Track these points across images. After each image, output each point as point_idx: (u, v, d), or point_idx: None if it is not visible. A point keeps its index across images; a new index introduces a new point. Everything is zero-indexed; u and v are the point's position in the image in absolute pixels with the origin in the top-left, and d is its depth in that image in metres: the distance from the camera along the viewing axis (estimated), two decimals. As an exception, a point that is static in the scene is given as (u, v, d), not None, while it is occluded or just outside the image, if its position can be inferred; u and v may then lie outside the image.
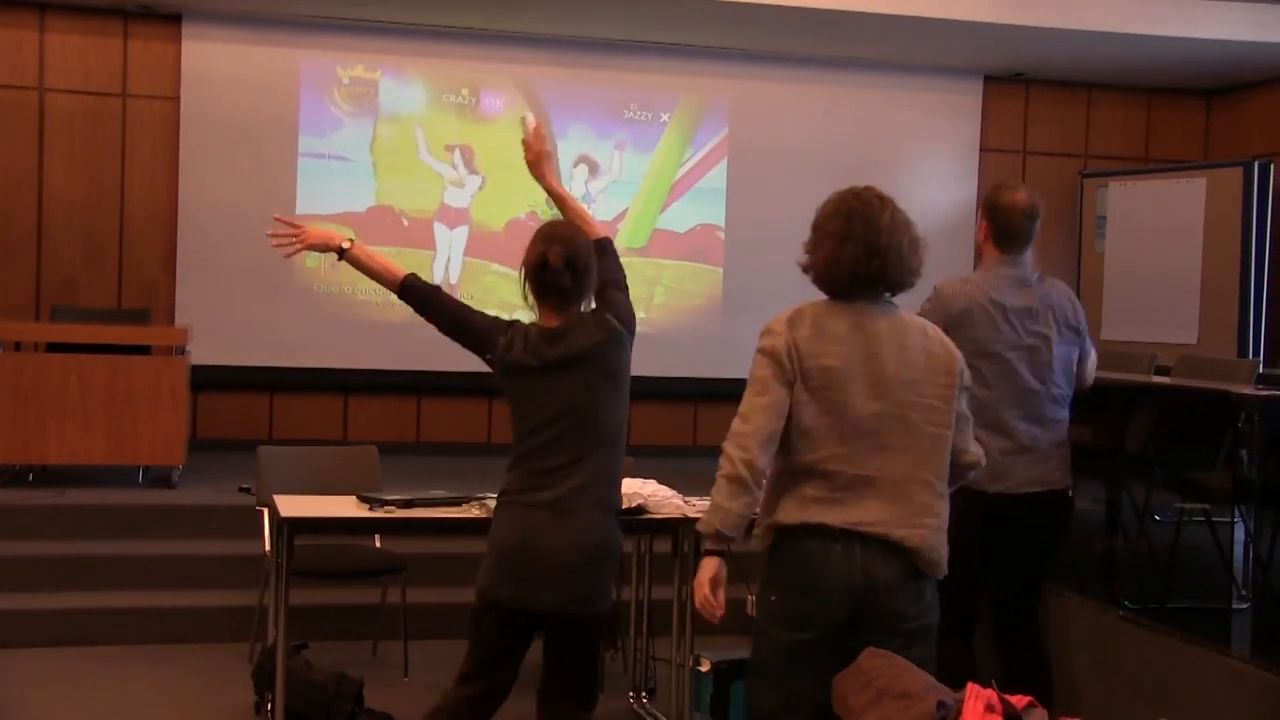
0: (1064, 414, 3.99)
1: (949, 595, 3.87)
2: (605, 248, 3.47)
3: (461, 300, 3.53)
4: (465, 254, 8.56)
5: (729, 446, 2.98)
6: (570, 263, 3.29)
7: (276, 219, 3.60)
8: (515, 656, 3.42)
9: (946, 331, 3.69)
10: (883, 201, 3.05)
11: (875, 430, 2.97)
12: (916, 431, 2.99)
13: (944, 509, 3.04)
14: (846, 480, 2.96)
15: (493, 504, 4.13)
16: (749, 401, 2.99)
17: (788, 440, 3.01)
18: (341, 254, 3.61)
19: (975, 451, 3.13)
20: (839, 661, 2.77)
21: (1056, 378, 3.95)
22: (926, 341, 3.05)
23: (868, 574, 2.93)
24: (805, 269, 3.10)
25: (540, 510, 3.29)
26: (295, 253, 3.69)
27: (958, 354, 3.09)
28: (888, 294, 3.07)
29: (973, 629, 4.07)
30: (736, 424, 2.99)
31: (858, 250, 2.99)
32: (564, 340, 3.32)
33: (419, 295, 3.52)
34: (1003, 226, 3.96)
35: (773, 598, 3.06)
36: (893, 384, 2.98)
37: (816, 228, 3.09)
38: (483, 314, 3.45)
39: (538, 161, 3.60)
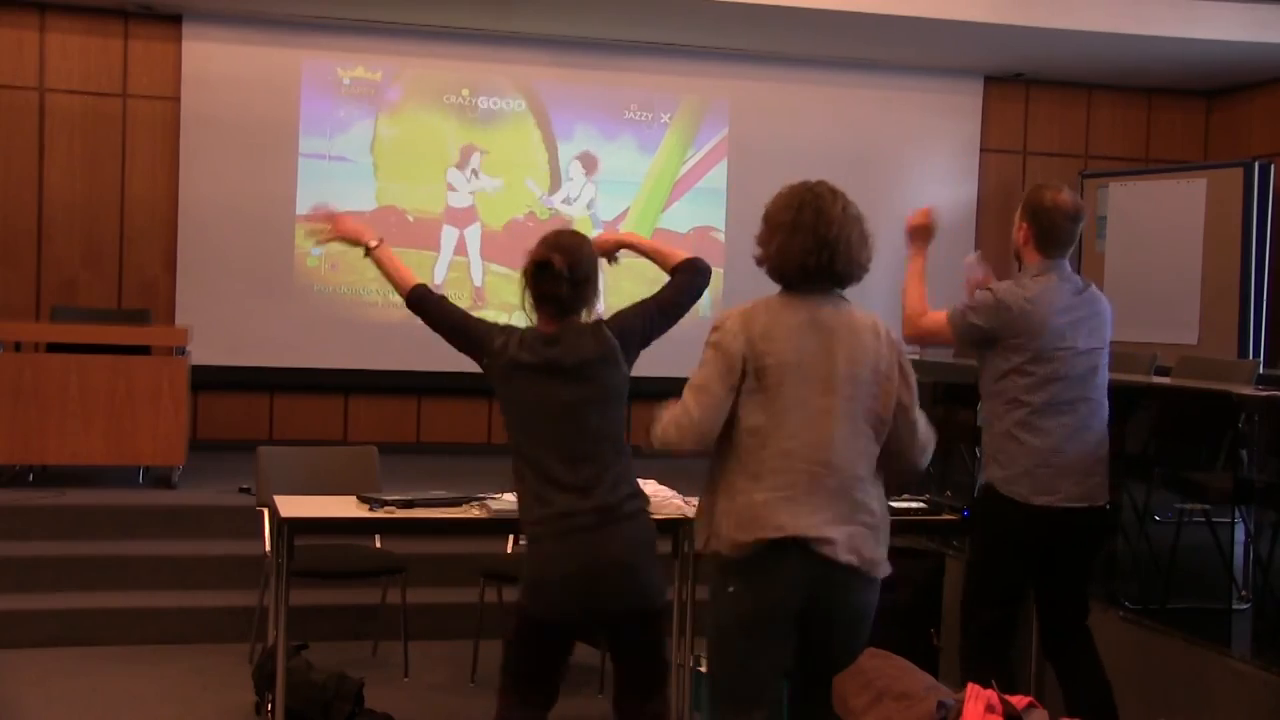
0: (1106, 425, 3.90)
1: (985, 603, 3.87)
2: (681, 267, 3.48)
3: (464, 310, 3.51)
4: (466, 254, 8.56)
5: (671, 431, 3.03)
6: (571, 271, 3.27)
7: (315, 207, 3.65)
8: (563, 667, 3.42)
9: (999, 336, 3.69)
10: (834, 194, 3.06)
11: (826, 425, 2.98)
12: (860, 428, 3.02)
13: (880, 506, 3.09)
14: (796, 476, 2.98)
15: (493, 505, 4.16)
16: (695, 394, 3.03)
17: (734, 437, 3.03)
18: (368, 251, 3.60)
19: (922, 454, 3.16)
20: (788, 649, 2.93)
21: (1101, 388, 3.87)
22: (876, 340, 3.06)
23: (816, 588, 2.99)
24: (759, 261, 3.11)
25: (574, 534, 3.25)
26: (326, 241, 3.70)
27: (903, 351, 3.12)
28: (836, 287, 3.08)
29: (1010, 641, 3.99)
30: (681, 413, 3.03)
31: (808, 241, 3.00)
32: (559, 345, 3.31)
33: (426, 303, 3.51)
34: (1047, 230, 3.81)
35: (730, 589, 3.06)
36: (843, 380, 2.99)
37: (768, 218, 3.10)
38: (481, 319, 3.45)
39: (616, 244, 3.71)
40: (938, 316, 3.88)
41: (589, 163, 8.79)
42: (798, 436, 2.98)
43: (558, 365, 3.29)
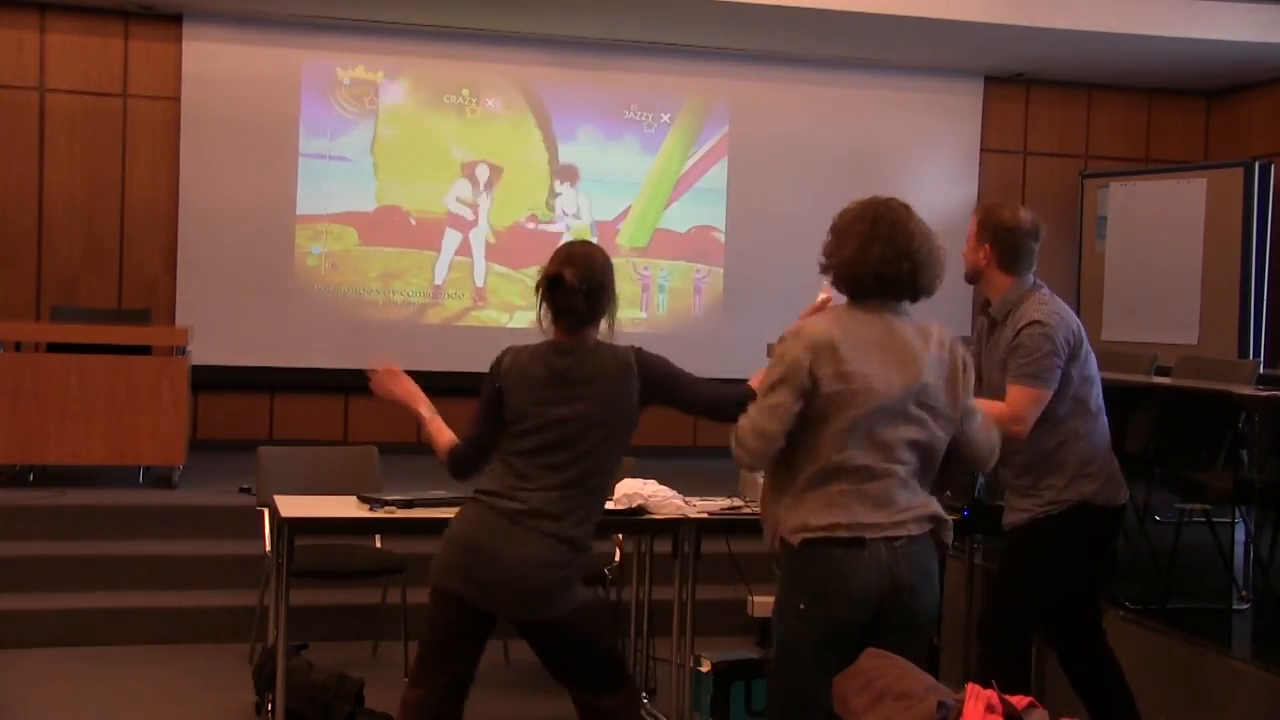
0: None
1: (1026, 612, 3.85)
2: (743, 394, 3.32)
3: (477, 414, 3.46)
4: (469, 255, 8.56)
5: (751, 438, 3.04)
6: (585, 284, 3.28)
7: (381, 359, 3.63)
8: (470, 650, 3.41)
9: (1070, 361, 3.70)
10: (908, 210, 3.10)
11: (894, 429, 3.01)
12: (931, 433, 3.05)
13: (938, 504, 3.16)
14: (871, 475, 3.00)
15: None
16: (768, 401, 3.04)
17: (805, 444, 3.03)
18: (420, 422, 3.61)
19: (989, 453, 3.21)
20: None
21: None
22: (941, 350, 3.08)
23: (894, 576, 3.00)
24: (825, 269, 3.13)
25: (502, 517, 3.29)
26: (378, 391, 3.66)
27: (965, 356, 3.13)
28: (910, 300, 3.11)
29: (1029, 647, 4.00)
30: (758, 418, 3.03)
31: (887, 251, 3.03)
32: (573, 355, 3.32)
33: (462, 457, 3.48)
34: (1013, 250, 3.78)
35: (801, 605, 3.05)
36: (912, 389, 3.01)
37: (838, 230, 3.12)
38: (482, 395, 3.42)
39: None
40: (1023, 398, 3.66)
41: (598, 160, 8.77)
42: (869, 440, 3.01)
43: (569, 376, 3.30)
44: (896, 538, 3.00)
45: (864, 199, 3.14)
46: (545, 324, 3.35)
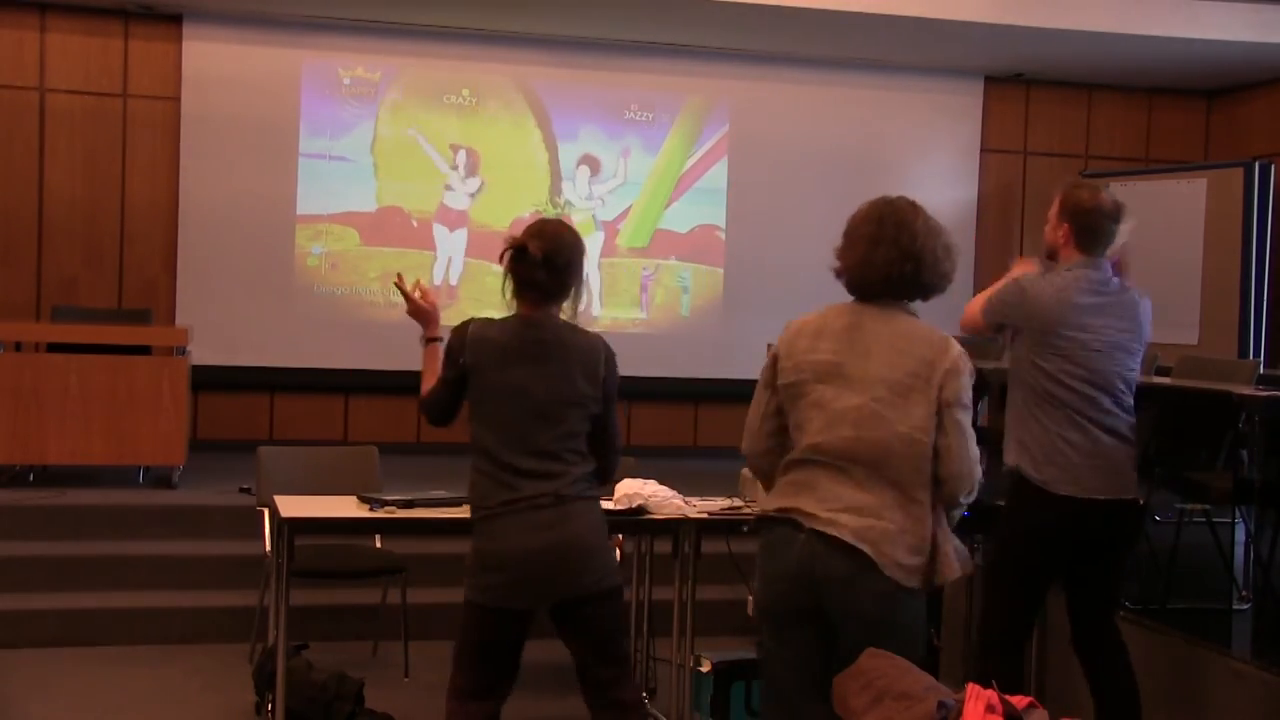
0: (1132, 421, 3.87)
1: (1005, 599, 3.86)
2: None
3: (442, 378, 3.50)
4: (466, 255, 8.56)
5: (744, 434, 3.24)
6: (549, 259, 3.29)
7: (417, 284, 3.64)
8: (517, 654, 3.43)
9: (1027, 327, 3.75)
10: (914, 208, 3.10)
11: (854, 423, 2.99)
12: (892, 431, 2.98)
13: (903, 516, 2.97)
14: (819, 467, 3.02)
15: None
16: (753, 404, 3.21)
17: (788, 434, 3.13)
18: (426, 340, 3.65)
19: (960, 470, 3.00)
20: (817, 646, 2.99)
21: (1130, 385, 3.85)
22: (929, 350, 3.02)
23: (817, 568, 2.97)
24: (838, 273, 3.14)
25: (538, 511, 3.29)
26: (410, 308, 3.68)
27: (961, 368, 3.03)
28: (920, 298, 3.10)
29: (1025, 640, 3.99)
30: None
31: (891, 253, 3.03)
32: (539, 329, 3.33)
33: (432, 401, 3.54)
34: (1089, 229, 3.81)
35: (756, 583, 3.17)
36: (876, 382, 3.00)
37: (849, 233, 3.13)
38: (441, 375, 3.47)
39: None
40: (973, 304, 3.99)
41: (590, 163, 8.78)
42: (825, 432, 3.02)
43: (532, 346, 3.31)
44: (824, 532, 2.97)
45: (873, 200, 3.14)
46: (508, 296, 3.35)
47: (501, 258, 3.34)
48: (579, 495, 3.34)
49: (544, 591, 3.33)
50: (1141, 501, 3.97)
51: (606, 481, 3.56)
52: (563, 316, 3.39)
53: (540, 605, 3.36)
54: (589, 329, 3.45)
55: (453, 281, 8.54)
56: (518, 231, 3.41)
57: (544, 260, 3.28)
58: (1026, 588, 3.89)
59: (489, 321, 3.40)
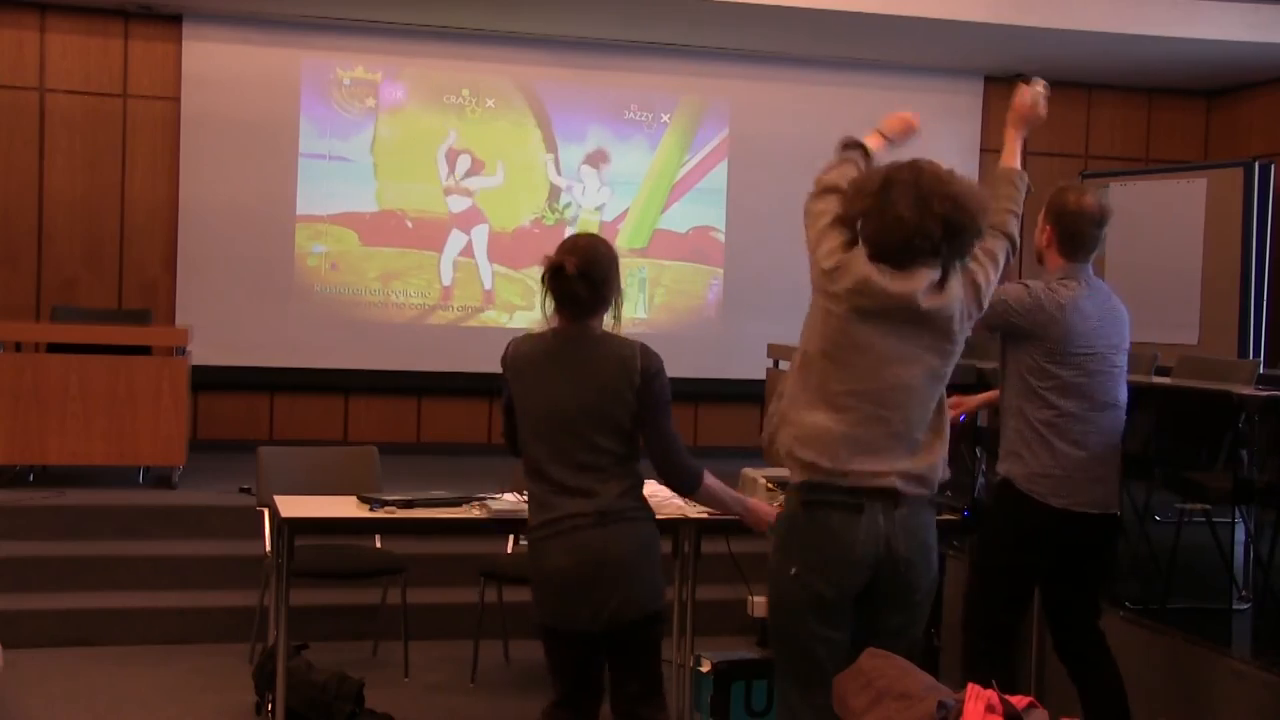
0: (1120, 431, 3.87)
1: (993, 603, 3.86)
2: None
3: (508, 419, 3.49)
4: (471, 255, 8.55)
5: None
6: (585, 273, 3.28)
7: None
8: (598, 669, 3.46)
9: (1032, 334, 3.72)
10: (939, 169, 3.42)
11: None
12: (920, 380, 3.08)
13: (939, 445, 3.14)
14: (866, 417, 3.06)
15: (493, 505, 4.16)
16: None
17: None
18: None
19: None
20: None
21: (1123, 394, 3.85)
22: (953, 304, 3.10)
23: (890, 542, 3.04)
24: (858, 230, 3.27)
25: (578, 532, 3.28)
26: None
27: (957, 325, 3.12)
28: (957, 260, 3.20)
29: (1011, 642, 3.98)
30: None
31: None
32: (576, 341, 3.33)
33: (505, 436, 3.52)
34: (1071, 234, 3.79)
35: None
36: (911, 333, 3.07)
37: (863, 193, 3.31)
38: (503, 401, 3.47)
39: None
40: None
41: (594, 162, 8.78)
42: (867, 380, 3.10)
43: (566, 359, 3.32)
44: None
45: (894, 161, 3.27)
46: (548, 312, 3.36)
47: (543, 280, 3.33)
48: (624, 514, 3.31)
49: (583, 615, 3.30)
50: (1119, 514, 3.95)
51: (688, 494, 3.51)
52: (605, 329, 3.39)
53: (588, 628, 3.33)
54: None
55: (484, 283, 8.51)
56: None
57: (580, 275, 3.28)
58: (1011, 592, 3.89)
59: (527, 337, 3.43)
